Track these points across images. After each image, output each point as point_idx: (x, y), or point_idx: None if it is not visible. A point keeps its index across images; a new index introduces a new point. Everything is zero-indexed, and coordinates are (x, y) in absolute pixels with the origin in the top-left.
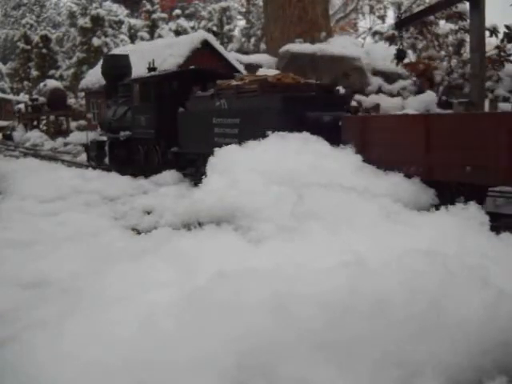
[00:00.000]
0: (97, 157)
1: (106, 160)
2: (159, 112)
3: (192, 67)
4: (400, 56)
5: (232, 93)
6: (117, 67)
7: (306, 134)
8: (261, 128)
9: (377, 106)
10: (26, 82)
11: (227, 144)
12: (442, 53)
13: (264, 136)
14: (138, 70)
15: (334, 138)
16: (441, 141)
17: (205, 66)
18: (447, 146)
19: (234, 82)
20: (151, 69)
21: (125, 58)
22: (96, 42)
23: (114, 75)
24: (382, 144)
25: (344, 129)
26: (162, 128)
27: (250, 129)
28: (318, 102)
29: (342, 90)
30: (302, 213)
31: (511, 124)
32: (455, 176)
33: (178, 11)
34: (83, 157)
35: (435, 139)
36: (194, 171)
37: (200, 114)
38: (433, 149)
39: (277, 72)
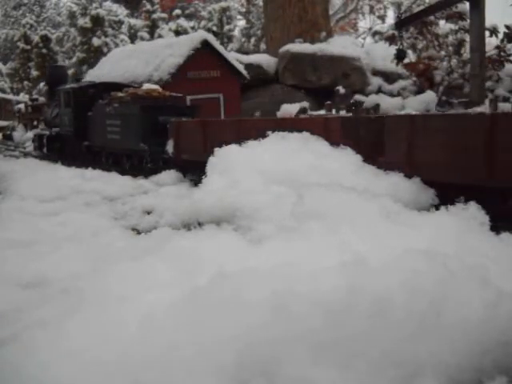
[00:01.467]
0: (38, 147)
1: (45, 150)
2: (76, 115)
3: (101, 82)
4: (400, 56)
5: (116, 102)
6: (56, 76)
7: (305, 134)
8: (130, 127)
9: (377, 106)
10: (25, 82)
11: (115, 138)
12: (442, 53)
13: (135, 131)
14: (138, 69)
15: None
16: None
17: (204, 66)
18: None
19: (119, 94)
20: (77, 79)
21: (63, 69)
22: (96, 41)
23: (53, 83)
24: (185, 139)
25: (169, 129)
26: (77, 127)
27: (125, 128)
28: (170, 110)
29: (342, 89)
30: (302, 213)
31: None
32: None
33: (178, 11)
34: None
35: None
36: (104, 160)
37: (100, 116)
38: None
39: (156, 87)
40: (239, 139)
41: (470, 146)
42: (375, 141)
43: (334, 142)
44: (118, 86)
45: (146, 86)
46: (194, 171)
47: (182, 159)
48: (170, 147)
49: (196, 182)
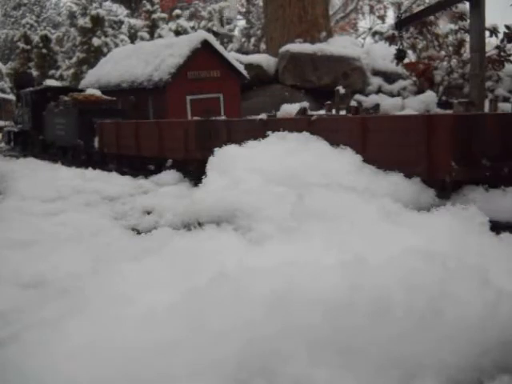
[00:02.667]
0: (7, 141)
1: (12, 143)
2: (33, 113)
3: (55, 86)
4: (400, 56)
5: (62, 104)
6: (23, 81)
7: (305, 134)
8: (71, 125)
9: (377, 106)
10: None
11: (61, 134)
12: (442, 53)
13: (74, 129)
14: (138, 69)
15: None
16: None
17: (204, 66)
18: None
19: (65, 98)
20: (39, 84)
21: (29, 75)
22: (96, 41)
23: (20, 87)
24: (106, 136)
25: (96, 129)
26: (34, 124)
27: (68, 126)
28: (104, 112)
29: (342, 89)
30: (302, 213)
31: None
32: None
33: (178, 11)
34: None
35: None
36: (54, 152)
37: (51, 115)
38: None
39: (95, 91)
40: (136, 139)
41: None
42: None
43: None
44: (67, 90)
45: (88, 92)
46: (112, 161)
47: (103, 152)
48: (96, 143)
49: (196, 182)
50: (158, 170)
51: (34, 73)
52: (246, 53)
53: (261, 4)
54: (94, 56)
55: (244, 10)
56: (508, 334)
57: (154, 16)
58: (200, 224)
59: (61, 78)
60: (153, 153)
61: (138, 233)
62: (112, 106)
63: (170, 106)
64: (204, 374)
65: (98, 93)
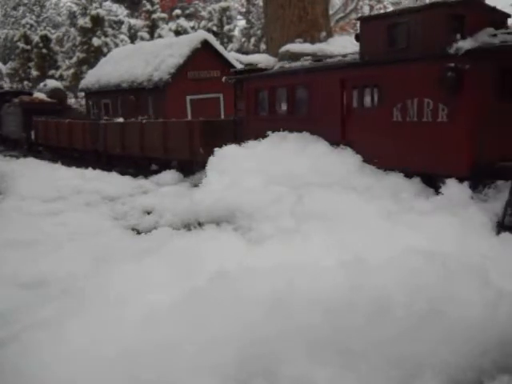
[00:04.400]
0: None
1: None
2: None
3: (13, 90)
4: None
5: (14, 104)
6: None
7: (305, 134)
8: (18, 122)
9: None
10: (26, 82)
11: (13, 129)
12: None
13: (19, 125)
14: (138, 69)
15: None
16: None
17: (204, 66)
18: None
19: (16, 100)
20: (1, 87)
21: None
22: (96, 41)
23: None
24: (40, 130)
25: (33, 124)
26: None
27: (16, 122)
28: (45, 111)
29: None
30: (302, 213)
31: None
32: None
33: (178, 11)
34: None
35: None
36: (12, 145)
37: (6, 114)
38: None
39: (42, 95)
40: (57, 133)
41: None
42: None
43: None
44: (20, 93)
45: (35, 95)
46: (45, 149)
47: (38, 143)
48: (33, 136)
49: (196, 182)
50: (70, 154)
51: (34, 73)
52: (246, 53)
53: (261, 4)
54: (94, 56)
55: (244, 10)
56: (508, 335)
57: (154, 16)
58: (200, 224)
59: (61, 77)
60: (64, 144)
61: (138, 233)
62: (52, 106)
63: (170, 105)
64: (204, 374)
65: (42, 96)
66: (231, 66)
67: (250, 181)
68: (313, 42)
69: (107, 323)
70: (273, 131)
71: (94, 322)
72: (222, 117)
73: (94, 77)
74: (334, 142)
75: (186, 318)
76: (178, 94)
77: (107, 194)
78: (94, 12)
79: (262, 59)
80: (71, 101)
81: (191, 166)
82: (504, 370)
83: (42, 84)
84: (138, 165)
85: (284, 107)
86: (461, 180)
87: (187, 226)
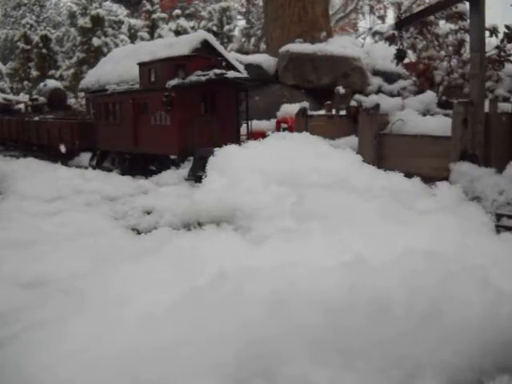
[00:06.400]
0: None
1: None
2: None
3: None
4: (400, 56)
5: None
6: None
7: (305, 134)
8: None
9: (377, 106)
10: (25, 82)
11: None
12: (442, 53)
13: None
14: (138, 70)
15: None
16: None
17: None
18: None
19: None
20: None
21: None
22: (96, 41)
23: None
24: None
25: None
26: None
27: None
28: (4, 111)
29: (342, 89)
30: (302, 213)
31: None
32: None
33: (178, 11)
34: None
35: None
36: None
37: None
38: None
39: (3, 95)
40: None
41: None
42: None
43: None
44: None
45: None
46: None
47: None
48: None
49: (196, 181)
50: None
51: (34, 73)
52: (246, 53)
53: (261, 4)
54: (94, 56)
55: (244, 10)
56: (508, 335)
57: (154, 16)
58: (200, 224)
59: (61, 78)
60: (13, 136)
61: (138, 233)
62: (7, 107)
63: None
64: (204, 374)
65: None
66: (231, 66)
67: (250, 180)
68: (313, 42)
69: (107, 323)
70: (108, 133)
71: (93, 322)
72: None
73: (93, 77)
74: (129, 143)
75: (186, 318)
76: None
77: (107, 193)
78: (93, 12)
79: (262, 59)
80: (71, 101)
81: (72, 153)
82: (504, 371)
83: (42, 84)
84: (40, 149)
85: (111, 117)
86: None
87: (187, 226)
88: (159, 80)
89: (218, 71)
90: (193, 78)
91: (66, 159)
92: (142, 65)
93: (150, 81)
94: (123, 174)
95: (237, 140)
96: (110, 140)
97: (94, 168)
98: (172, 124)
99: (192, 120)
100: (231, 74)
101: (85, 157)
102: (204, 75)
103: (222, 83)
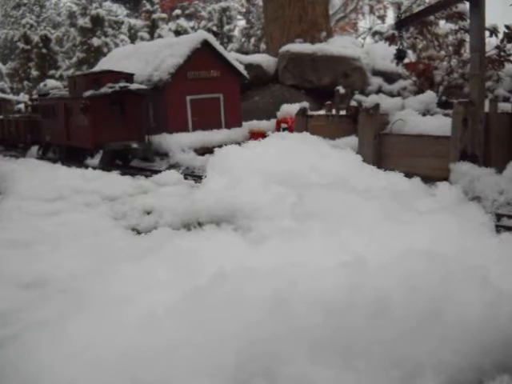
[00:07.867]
0: None
1: None
2: None
3: None
4: (400, 56)
5: None
6: None
7: (305, 134)
8: None
9: (377, 106)
10: (26, 82)
11: None
12: (442, 53)
13: None
14: (138, 69)
15: None
16: None
17: (204, 66)
18: None
19: None
20: None
21: None
22: (96, 41)
23: None
24: None
25: None
26: None
27: None
28: None
29: (342, 89)
30: (302, 213)
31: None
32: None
33: (178, 11)
34: None
35: None
36: None
37: None
38: None
39: None
40: None
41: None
42: None
43: None
44: None
45: None
46: None
47: None
48: None
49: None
50: None
51: (34, 73)
52: (246, 53)
53: (261, 4)
54: (93, 56)
55: (244, 10)
56: (508, 335)
57: (154, 16)
58: (200, 224)
59: (61, 78)
60: None
61: (138, 233)
62: None
63: (170, 106)
64: (205, 374)
65: None
66: (231, 66)
67: (250, 181)
68: (313, 42)
69: (107, 323)
70: (49, 129)
71: (93, 322)
72: (222, 117)
73: None
74: (63, 137)
75: (186, 318)
76: (178, 94)
77: (107, 193)
78: (93, 12)
79: (262, 59)
80: None
81: (26, 147)
82: (504, 370)
83: (41, 84)
84: (9, 144)
85: (52, 116)
86: (91, 151)
87: (187, 226)
88: (81, 90)
89: (122, 84)
90: (103, 89)
91: (23, 152)
92: (70, 77)
93: (75, 90)
94: (62, 162)
95: (141, 137)
96: (52, 135)
97: (40, 158)
98: (88, 124)
99: (103, 121)
100: (134, 86)
101: (35, 149)
102: (111, 87)
103: (128, 92)
